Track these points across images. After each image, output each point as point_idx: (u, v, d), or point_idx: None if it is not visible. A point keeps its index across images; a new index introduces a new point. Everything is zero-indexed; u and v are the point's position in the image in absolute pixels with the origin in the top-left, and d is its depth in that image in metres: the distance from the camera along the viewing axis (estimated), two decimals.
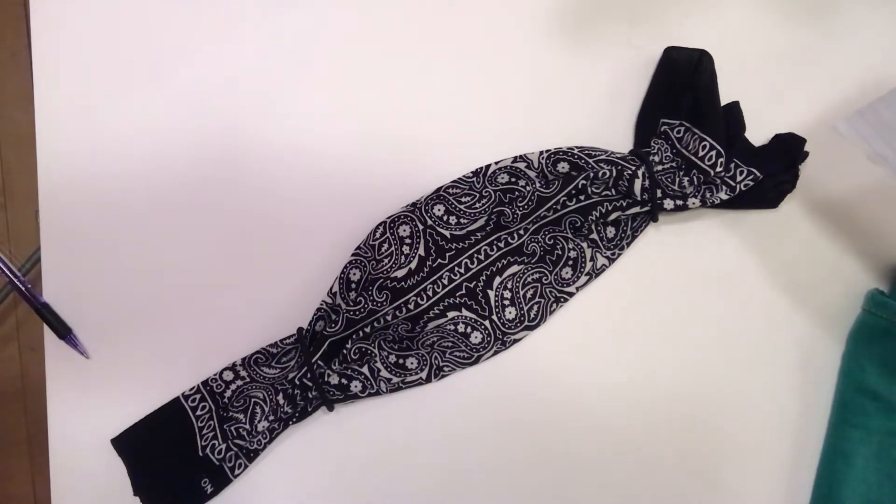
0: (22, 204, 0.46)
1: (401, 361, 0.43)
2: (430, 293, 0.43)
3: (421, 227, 0.43)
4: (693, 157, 0.42)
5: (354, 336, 0.42)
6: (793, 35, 0.45)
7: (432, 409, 0.44)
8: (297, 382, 0.41)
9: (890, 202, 0.44)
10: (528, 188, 0.42)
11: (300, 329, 0.42)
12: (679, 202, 0.42)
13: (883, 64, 0.44)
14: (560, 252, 0.43)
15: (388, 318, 0.42)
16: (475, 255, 0.43)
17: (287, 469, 0.43)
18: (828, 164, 0.43)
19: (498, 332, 0.43)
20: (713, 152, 0.41)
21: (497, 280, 0.43)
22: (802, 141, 0.42)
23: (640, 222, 0.44)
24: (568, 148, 0.43)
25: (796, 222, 0.44)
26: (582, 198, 0.42)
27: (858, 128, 0.38)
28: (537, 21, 0.45)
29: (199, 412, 0.42)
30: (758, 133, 0.43)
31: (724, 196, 0.42)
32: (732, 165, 0.42)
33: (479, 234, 0.43)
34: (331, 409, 0.42)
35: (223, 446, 0.42)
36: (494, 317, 0.43)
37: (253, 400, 0.42)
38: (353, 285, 0.42)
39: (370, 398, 0.43)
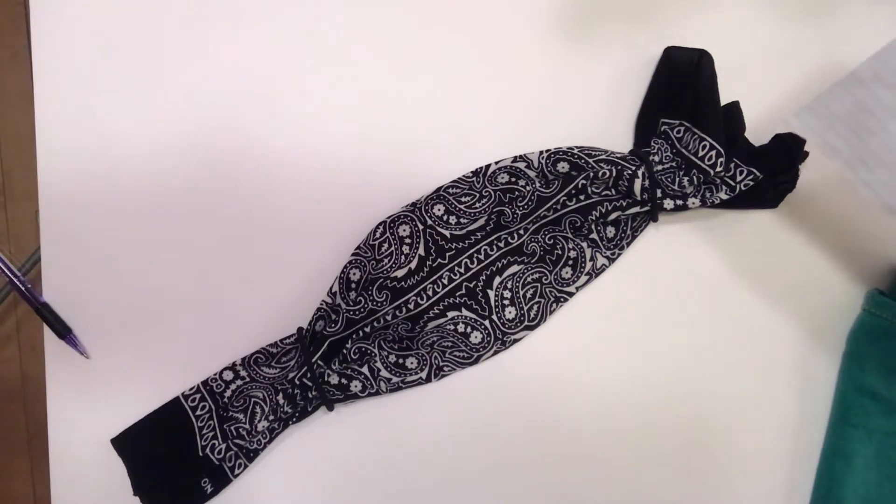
0: (22, 204, 0.46)
1: (401, 361, 0.43)
2: (429, 293, 0.43)
3: (421, 226, 0.43)
4: (693, 157, 0.42)
5: (354, 336, 0.42)
6: (793, 35, 0.45)
7: (432, 409, 0.44)
8: (297, 382, 0.41)
9: None
10: (528, 188, 0.42)
11: (300, 329, 0.42)
12: (679, 202, 0.42)
13: None
14: (560, 252, 0.43)
15: (388, 317, 0.42)
16: (475, 255, 0.43)
17: (287, 469, 0.43)
18: (828, 164, 0.43)
19: (498, 331, 0.43)
20: (713, 152, 0.41)
21: (497, 280, 0.43)
22: (802, 141, 0.42)
23: (640, 222, 0.44)
24: (568, 148, 0.43)
25: (796, 222, 0.44)
26: (582, 198, 0.42)
27: (809, 122, 0.38)
28: (537, 21, 0.45)
29: (199, 412, 0.42)
30: (758, 133, 0.43)
31: (724, 196, 0.42)
32: (732, 165, 0.42)
33: (479, 233, 0.43)
34: (331, 409, 0.42)
35: (223, 446, 0.42)
36: (494, 317, 0.43)
37: (253, 400, 0.42)
38: (353, 285, 0.42)
39: (370, 398, 0.43)
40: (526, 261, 0.43)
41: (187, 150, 0.44)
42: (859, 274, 0.44)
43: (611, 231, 0.43)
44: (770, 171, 0.42)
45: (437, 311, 0.43)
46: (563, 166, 0.42)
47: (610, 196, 0.42)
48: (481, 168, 0.43)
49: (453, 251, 0.43)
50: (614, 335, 0.44)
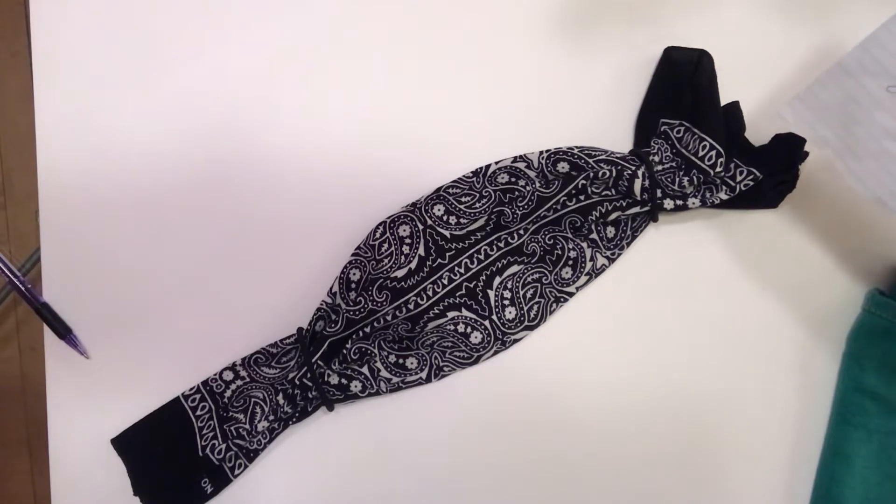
0: (22, 204, 0.46)
1: (401, 361, 0.43)
2: (429, 293, 0.43)
3: (421, 227, 0.43)
4: (693, 157, 0.42)
5: (354, 336, 0.42)
6: (793, 35, 0.45)
7: (432, 409, 0.44)
8: (297, 382, 0.41)
9: None
10: (528, 188, 0.42)
11: (300, 329, 0.42)
12: (679, 202, 0.42)
13: None
14: (560, 252, 0.43)
15: (388, 318, 0.42)
16: (475, 255, 0.43)
17: (287, 469, 0.43)
18: (827, 164, 0.43)
19: (498, 332, 0.43)
20: (713, 152, 0.41)
21: (497, 280, 0.43)
22: (802, 141, 0.42)
23: (640, 222, 0.44)
24: (568, 148, 0.43)
25: (796, 222, 0.44)
26: (582, 198, 0.42)
27: (800, 113, 0.39)
28: (537, 21, 0.45)
29: (199, 412, 0.42)
30: (758, 133, 0.43)
31: (724, 196, 0.42)
32: (732, 165, 0.42)
33: (479, 234, 0.43)
34: (331, 409, 0.42)
35: (223, 446, 0.42)
36: (494, 317, 0.43)
37: (253, 400, 0.42)
38: (353, 285, 0.42)
39: (370, 398, 0.43)
40: (526, 261, 0.43)
41: (187, 151, 0.44)
42: (859, 274, 0.44)
43: (611, 231, 0.43)
44: (770, 171, 0.42)
45: (437, 312, 0.43)
46: (563, 166, 0.42)
47: (610, 196, 0.42)
48: (481, 168, 0.43)
49: (453, 251, 0.43)
50: (614, 335, 0.44)
